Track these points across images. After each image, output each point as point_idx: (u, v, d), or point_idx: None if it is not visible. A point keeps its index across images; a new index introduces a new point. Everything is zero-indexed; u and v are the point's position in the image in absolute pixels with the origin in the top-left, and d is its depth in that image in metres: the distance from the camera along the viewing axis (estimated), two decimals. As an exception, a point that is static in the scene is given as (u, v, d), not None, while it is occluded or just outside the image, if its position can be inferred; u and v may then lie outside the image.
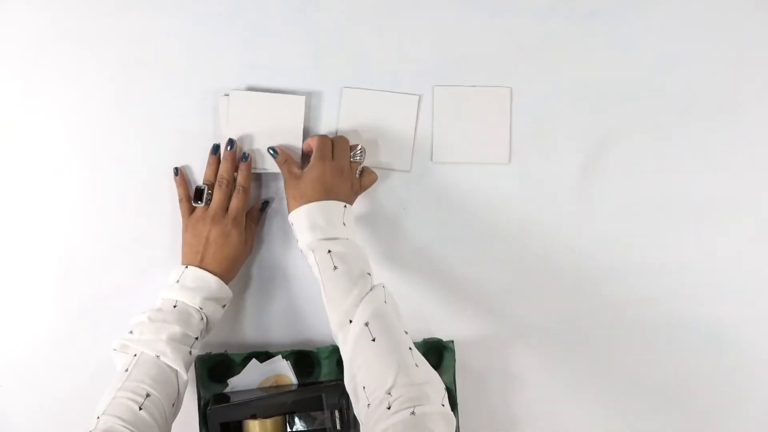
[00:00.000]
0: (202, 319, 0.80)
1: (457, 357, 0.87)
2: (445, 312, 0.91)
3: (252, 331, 0.92)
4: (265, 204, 0.90)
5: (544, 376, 0.91)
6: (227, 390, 0.86)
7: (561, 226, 0.91)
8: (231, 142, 0.86)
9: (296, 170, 0.84)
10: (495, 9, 0.90)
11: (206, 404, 0.84)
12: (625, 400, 0.91)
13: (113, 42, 0.90)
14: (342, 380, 0.84)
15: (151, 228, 0.91)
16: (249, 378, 0.86)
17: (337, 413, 0.82)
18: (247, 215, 0.87)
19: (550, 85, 0.90)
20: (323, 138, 0.84)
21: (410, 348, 0.70)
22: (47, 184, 0.91)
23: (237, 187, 0.86)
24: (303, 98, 0.89)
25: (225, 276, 0.83)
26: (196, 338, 0.79)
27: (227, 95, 0.89)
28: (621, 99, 0.90)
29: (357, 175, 0.85)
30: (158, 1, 0.90)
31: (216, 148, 0.88)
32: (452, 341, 0.87)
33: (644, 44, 0.91)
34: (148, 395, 0.71)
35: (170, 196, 0.90)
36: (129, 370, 0.74)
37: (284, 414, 0.81)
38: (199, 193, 0.86)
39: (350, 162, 0.84)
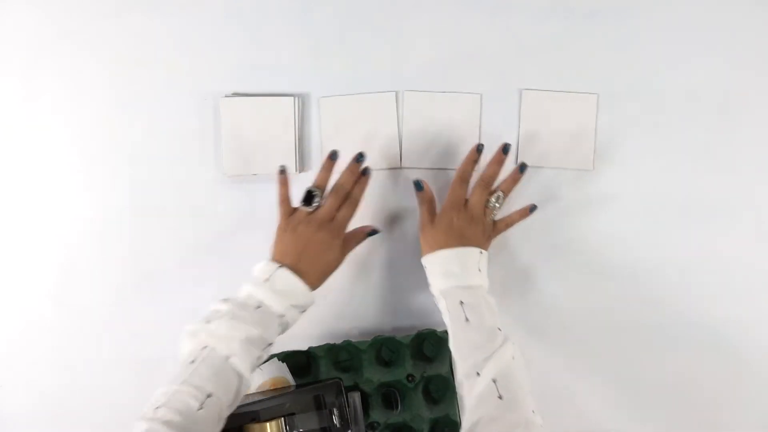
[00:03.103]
0: (280, 325, 0.78)
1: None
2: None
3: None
4: (374, 233, 0.87)
5: (543, 374, 0.90)
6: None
7: (559, 225, 0.91)
8: (361, 155, 0.84)
9: (434, 213, 0.85)
10: (495, 9, 0.91)
11: (205, 406, 0.84)
12: (625, 399, 0.91)
13: (113, 42, 0.90)
14: (340, 378, 0.84)
15: (150, 228, 0.91)
16: (247, 381, 0.86)
17: (335, 411, 0.81)
18: (351, 233, 0.85)
19: (551, 85, 0.90)
20: (457, 187, 0.84)
21: (533, 411, 0.70)
22: (47, 184, 0.91)
23: (351, 199, 0.84)
24: (292, 99, 0.89)
25: (314, 283, 0.80)
26: (270, 343, 0.77)
27: (228, 96, 0.90)
28: (621, 99, 0.90)
29: (491, 219, 0.84)
30: (158, 1, 0.90)
31: (334, 155, 0.84)
32: (446, 331, 0.87)
33: (644, 44, 0.91)
34: (209, 395, 0.69)
35: (170, 197, 0.90)
36: (196, 362, 0.71)
37: (284, 416, 0.80)
38: (309, 197, 0.83)
39: (484, 208, 0.84)
